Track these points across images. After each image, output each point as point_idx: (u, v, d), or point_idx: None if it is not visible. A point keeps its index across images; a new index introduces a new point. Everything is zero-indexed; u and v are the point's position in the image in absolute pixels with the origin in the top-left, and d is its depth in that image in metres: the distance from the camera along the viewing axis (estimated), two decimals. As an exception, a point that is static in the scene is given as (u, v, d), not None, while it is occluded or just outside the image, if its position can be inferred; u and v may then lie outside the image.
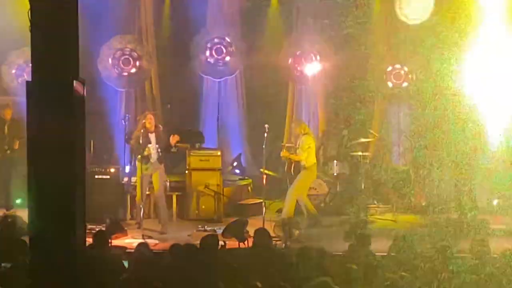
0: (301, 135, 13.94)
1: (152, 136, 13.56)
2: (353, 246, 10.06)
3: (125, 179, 14.87)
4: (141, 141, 13.38)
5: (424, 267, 8.86)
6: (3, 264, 9.09)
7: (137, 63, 16.60)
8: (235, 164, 16.72)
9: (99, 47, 16.26)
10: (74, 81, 6.57)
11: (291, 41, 16.78)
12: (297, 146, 13.90)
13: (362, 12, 16.21)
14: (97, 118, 15.44)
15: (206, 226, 13.81)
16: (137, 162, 13.80)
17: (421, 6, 15.67)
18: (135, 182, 14.08)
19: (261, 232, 10.64)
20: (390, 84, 16.41)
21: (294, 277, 8.83)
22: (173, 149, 13.84)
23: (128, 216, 14.25)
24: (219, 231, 12.43)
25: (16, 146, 14.52)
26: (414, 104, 16.51)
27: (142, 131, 13.47)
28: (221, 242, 10.86)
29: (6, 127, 14.67)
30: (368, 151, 15.99)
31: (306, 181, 14.17)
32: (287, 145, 14.65)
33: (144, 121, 13.61)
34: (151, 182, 13.78)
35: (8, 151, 14.56)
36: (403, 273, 8.18)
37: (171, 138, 13.67)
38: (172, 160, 15.78)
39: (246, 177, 16.21)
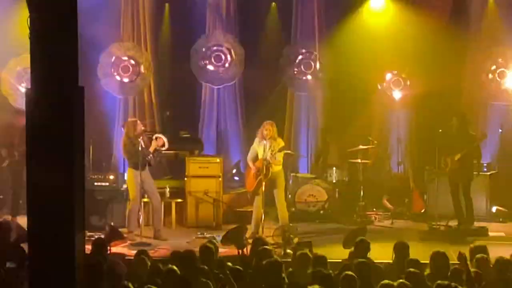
0: (275, 138, 13.75)
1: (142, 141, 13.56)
2: (352, 253, 10.05)
3: (124, 186, 14.86)
4: (140, 148, 13.35)
5: (423, 274, 8.84)
6: (8, 264, 9.11)
7: (136, 70, 16.60)
8: (234, 171, 16.72)
9: (98, 54, 16.27)
10: (73, 88, 6.57)
11: (291, 47, 16.79)
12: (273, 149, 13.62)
13: (363, 17, 16.28)
14: (96, 125, 15.45)
15: (205, 233, 13.82)
16: (130, 169, 13.73)
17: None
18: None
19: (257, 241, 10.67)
20: (389, 91, 16.40)
21: (291, 284, 8.83)
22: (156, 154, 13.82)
23: (127, 223, 14.19)
24: (218, 238, 12.42)
25: (24, 154, 14.49)
26: (412, 111, 16.57)
27: (142, 137, 13.47)
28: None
29: (18, 134, 14.68)
30: (368, 158, 15.99)
31: (283, 187, 14.09)
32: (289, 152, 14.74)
33: (141, 128, 13.61)
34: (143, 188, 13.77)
35: (17, 158, 14.58)
36: (402, 281, 8.16)
37: (153, 142, 13.66)
38: (172, 167, 15.80)
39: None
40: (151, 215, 14.42)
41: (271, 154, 13.48)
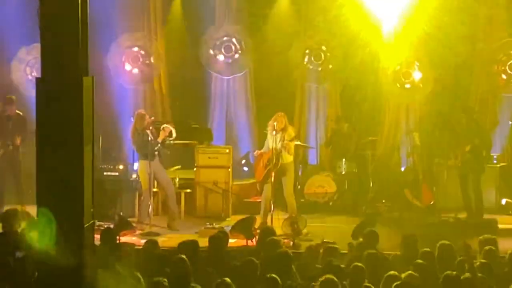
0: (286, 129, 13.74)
1: (150, 133, 13.57)
2: (361, 244, 10.05)
3: (134, 176, 14.89)
4: (149, 138, 13.37)
5: (431, 265, 8.85)
6: (17, 254, 9.12)
7: (146, 61, 16.63)
8: (243, 161, 16.73)
9: (108, 44, 16.28)
10: (83, 78, 6.58)
11: (301, 38, 16.76)
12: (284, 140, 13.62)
13: (373, 7, 16.23)
14: (105, 115, 15.47)
15: (214, 224, 13.83)
16: (140, 160, 13.76)
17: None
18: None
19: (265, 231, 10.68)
20: (399, 83, 16.39)
21: (301, 275, 8.85)
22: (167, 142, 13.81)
23: (137, 213, 14.22)
24: (227, 229, 12.43)
25: (18, 142, 14.45)
26: (422, 102, 16.55)
27: (150, 129, 13.48)
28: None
29: (10, 123, 14.61)
30: (376, 149, 15.97)
31: (292, 177, 14.07)
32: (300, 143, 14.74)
33: (148, 121, 13.60)
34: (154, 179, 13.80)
35: (11, 147, 14.50)
36: (411, 272, 8.16)
37: (161, 132, 13.66)
38: (181, 157, 15.81)
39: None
40: (163, 206, 14.50)
41: (282, 144, 13.45)
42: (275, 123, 13.55)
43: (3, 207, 14.15)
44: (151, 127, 13.55)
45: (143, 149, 13.50)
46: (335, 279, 7.70)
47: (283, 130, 13.56)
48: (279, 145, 13.47)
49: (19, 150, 14.47)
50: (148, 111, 14.69)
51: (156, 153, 13.61)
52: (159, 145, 13.59)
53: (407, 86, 16.37)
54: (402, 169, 16.11)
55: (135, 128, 13.65)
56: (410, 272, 8.09)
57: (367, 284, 7.85)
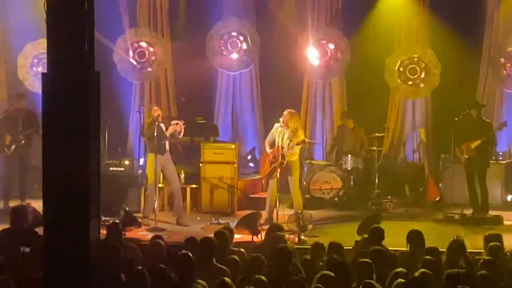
0: (297, 129, 13.72)
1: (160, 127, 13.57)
2: (366, 240, 10.04)
3: (139, 171, 14.89)
4: (156, 133, 13.37)
5: (440, 262, 8.84)
6: (22, 248, 9.14)
7: (152, 56, 16.63)
8: (249, 157, 16.72)
9: (114, 40, 16.29)
10: (90, 73, 6.59)
11: (306, 34, 16.73)
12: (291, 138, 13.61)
13: (381, 5, 16.21)
14: (111, 111, 15.49)
15: (219, 219, 13.84)
16: (150, 154, 13.75)
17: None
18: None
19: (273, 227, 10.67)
20: (404, 78, 16.37)
21: (306, 270, 8.84)
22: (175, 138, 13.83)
23: (142, 208, 14.22)
24: (233, 224, 12.43)
25: (30, 137, 14.50)
26: (428, 99, 16.52)
27: (157, 123, 13.47)
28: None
29: (21, 118, 14.63)
30: (383, 145, 15.95)
31: (298, 174, 14.08)
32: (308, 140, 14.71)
33: (157, 113, 13.59)
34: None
35: (23, 142, 14.53)
36: (424, 270, 8.13)
37: (170, 127, 13.66)
38: (187, 152, 15.82)
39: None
40: (169, 201, 14.51)
41: (289, 145, 13.44)
42: (283, 119, 13.50)
43: (10, 202, 14.23)
44: (158, 121, 13.54)
45: (151, 143, 13.50)
46: (333, 274, 7.73)
47: (293, 129, 13.52)
48: (286, 143, 13.46)
49: (30, 145, 14.53)
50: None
51: (168, 148, 13.63)
52: (166, 139, 13.58)
53: (413, 82, 16.33)
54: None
55: (145, 121, 13.68)
56: (423, 270, 8.04)
57: (371, 281, 7.83)
